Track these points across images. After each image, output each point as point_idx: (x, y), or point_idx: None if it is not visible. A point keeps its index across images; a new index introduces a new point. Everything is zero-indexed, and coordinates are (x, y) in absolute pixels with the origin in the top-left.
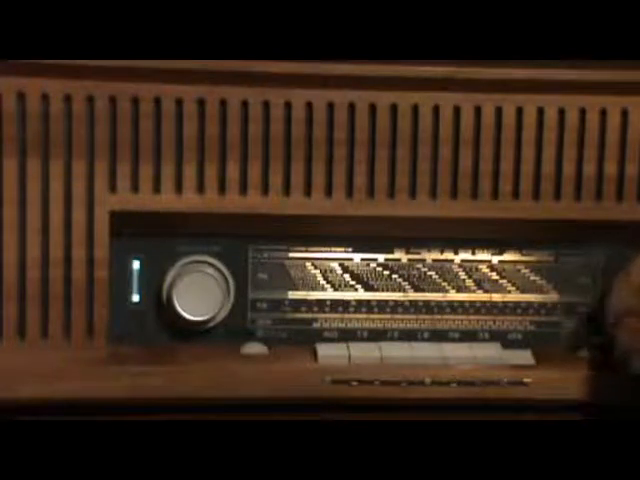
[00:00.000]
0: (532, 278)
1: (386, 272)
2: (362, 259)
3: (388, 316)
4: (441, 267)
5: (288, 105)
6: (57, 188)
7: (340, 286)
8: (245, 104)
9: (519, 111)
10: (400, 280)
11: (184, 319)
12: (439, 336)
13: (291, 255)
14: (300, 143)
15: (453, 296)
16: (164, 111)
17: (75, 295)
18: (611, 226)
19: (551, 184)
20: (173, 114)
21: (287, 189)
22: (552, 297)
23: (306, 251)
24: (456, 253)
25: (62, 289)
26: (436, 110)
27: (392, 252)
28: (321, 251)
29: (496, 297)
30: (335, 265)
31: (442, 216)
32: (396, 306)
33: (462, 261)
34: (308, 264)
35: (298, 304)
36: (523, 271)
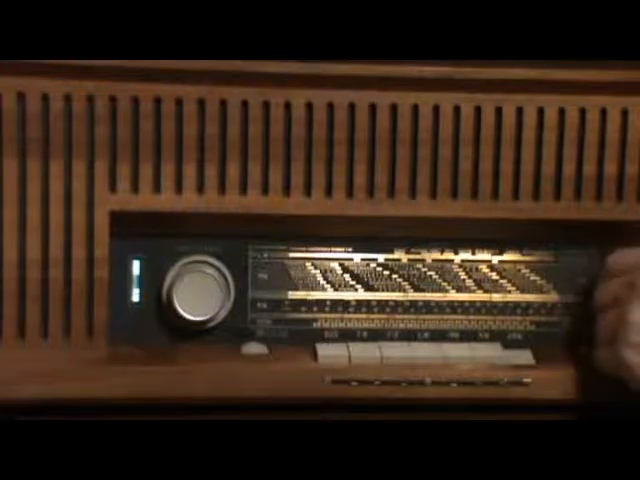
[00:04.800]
0: (532, 278)
1: (386, 272)
2: (362, 259)
3: (388, 316)
4: (441, 267)
5: (288, 105)
6: (57, 188)
7: (340, 286)
8: (245, 104)
9: (519, 111)
10: (400, 280)
11: (184, 319)
12: (439, 336)
13: (291, 255)
14: (300, 143)
15: (453, 296)
16: (164, 111)
17: (75, 295)
18: (611, 226)
19: (551, 184)
20: (173, 114)
21: (287, 189)
22: (552, 297)
23: (306, 251)
24: (456, 253)
25: (62, 289)
26: (436, 110)
27: (392, 252)
28: (321, 251)
29: (496, 297)
30: (335, 265)
31: (442, 216)
32: (396, 306)
33: (462, 261)
34: (308, 264)
35: (298, 304)
36: (523, 271)
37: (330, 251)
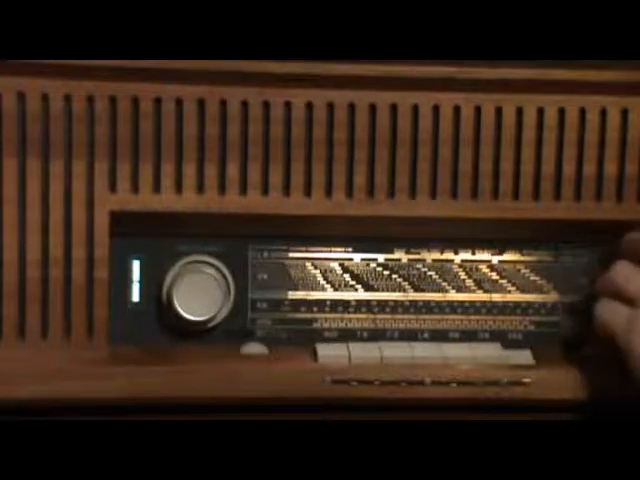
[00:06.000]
0: (532, 278)
1: (386, 272)
2: (362, 259)
3: (388, 316)
4: (441, 267)
5: (288, 105)
6: (57, 188)
7: (340, 286)
8: (245, 104)
9: (519, 111)
10: (400, 280)
11: (184, 319)
12: (439, 336)
13: (291, 255)
14: (300, 143)
15: (453, 296)
16: (164, 111)
17: (75, 295)
18: (611, 226)
19: (551, 184)
20: (173, 114)
21: (287, 189)
22: (552, 297)
23: (306, 251)
24: (456, 253)
25: (62, 289)
26: (436, 110)
27: (392, 252)
28: (321, 251)
29: (496, 297)
30: (335, 265)
31: (442, 216)
32: (396, 306)
33: (462, 261)
34: (308, 264)
35: (298, 304)
36: (523, 271)
37: (330, 251)
